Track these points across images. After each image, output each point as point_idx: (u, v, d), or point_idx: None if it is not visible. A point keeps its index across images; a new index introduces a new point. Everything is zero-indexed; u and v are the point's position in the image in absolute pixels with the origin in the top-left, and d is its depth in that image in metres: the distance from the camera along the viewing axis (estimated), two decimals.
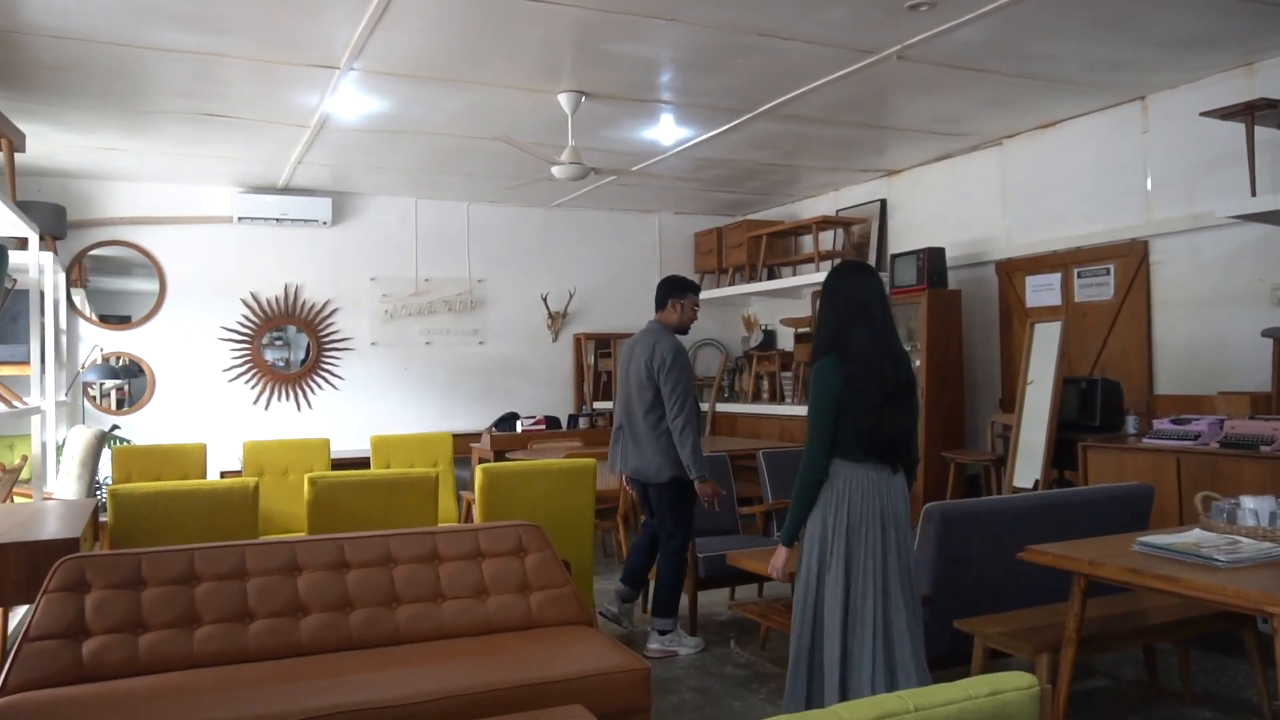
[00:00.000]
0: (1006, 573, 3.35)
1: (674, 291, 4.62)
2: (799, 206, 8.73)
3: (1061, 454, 5.32)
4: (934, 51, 4.75)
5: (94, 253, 7.41)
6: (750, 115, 5.84)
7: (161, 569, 2.96)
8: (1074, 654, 2.97)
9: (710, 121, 6.02)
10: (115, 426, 7.24)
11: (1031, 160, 6.40)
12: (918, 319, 6.52)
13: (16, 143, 5.12)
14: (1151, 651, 3.89)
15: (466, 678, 2.89)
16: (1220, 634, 4.11)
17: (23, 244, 5.56)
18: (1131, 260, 5.71)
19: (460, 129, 6.03)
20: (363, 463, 6.30)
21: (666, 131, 6.22)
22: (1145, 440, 4.84)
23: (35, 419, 5.38)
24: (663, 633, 4.49)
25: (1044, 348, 5.56)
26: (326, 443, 5.96)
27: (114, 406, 7.52)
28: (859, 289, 2.95)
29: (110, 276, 7.58)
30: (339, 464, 6.24)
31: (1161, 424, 4.83)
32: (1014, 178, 6.56)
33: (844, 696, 2.86)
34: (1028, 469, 5.45)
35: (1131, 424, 5.30)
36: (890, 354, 2.91)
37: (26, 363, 5.74)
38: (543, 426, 7.57)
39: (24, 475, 5.71)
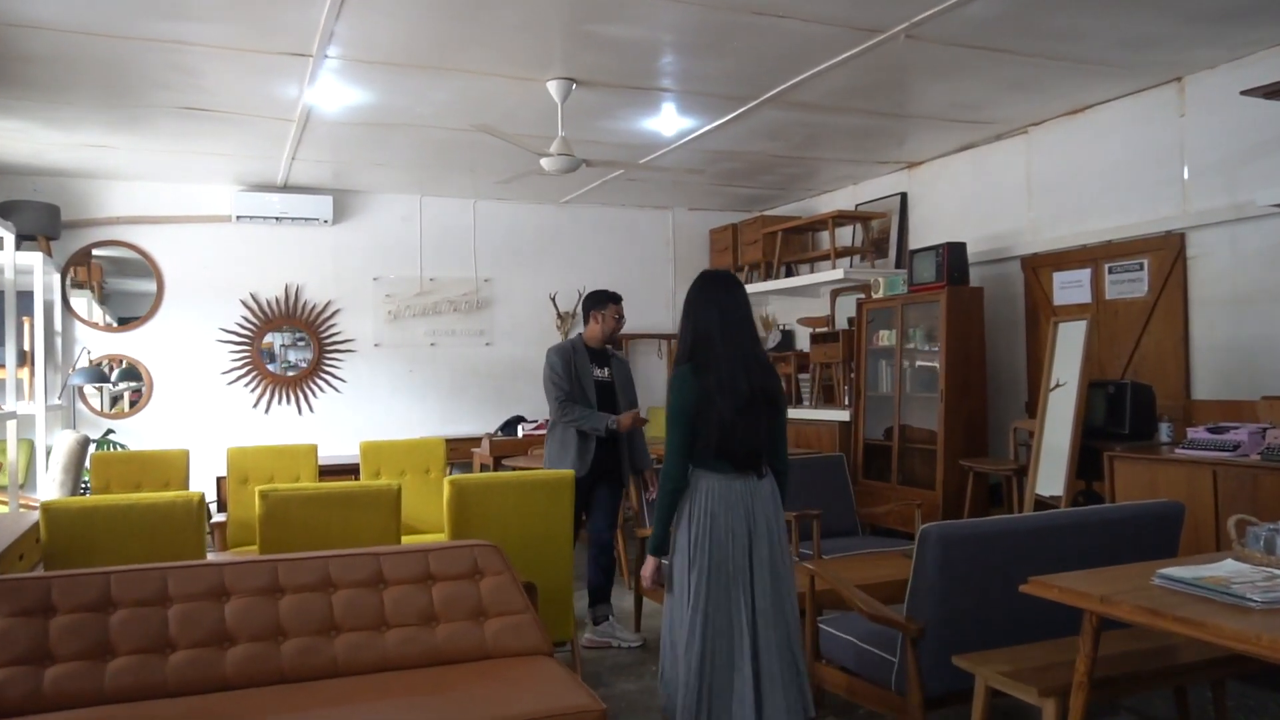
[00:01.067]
0: (1014, 602, 2.98)
1: (592, 305, 4.90)
2: (817, 201, 8.36)
3: (1088, 464, 4.93)
4: (945, 30, 4.39)
5: (108, 254, 7.28)
6: (755, 103, 5.52)
7: (73, 594, 2.71)
8: (1085, 699, 2.61)
9: (714, 110, 5.71)
10: (110, 431, 7.09)
11: (1059, 149, 6.00)
12: (936, 318, 6.13)
13: None
14: (1183, 686, 3.50)
15: (407, 715, 2.62)
16: (1260, 668, 3.71)
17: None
18: (1167, 254, 5.29)
19: (451, 121, 5.77)
20: (354, 469, 6.06)
21: (668, 122, 5.91)
22: (1178, 450, 4.44)
23: (11, 424, 5.22)
24: (595, 622, 4.63)
25: (1068, 348, 5.16)
26: (314, 449, 5.72)
27: (127, 409, 7.37)
28: (720, 299, 2.98)
29: (129, 279, 7.44)
30: (329, 471, 6.00)
31: (1197, 433, 4.41)
32: (1041, 168, 6.15)
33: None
34: (1051, 478, 5.06)
35: (1165, 432, 4.89)
36: (748, 364, 2.91)
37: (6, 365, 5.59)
38: (544, 431, 7.26)
39: (0, 481, 5.56)
